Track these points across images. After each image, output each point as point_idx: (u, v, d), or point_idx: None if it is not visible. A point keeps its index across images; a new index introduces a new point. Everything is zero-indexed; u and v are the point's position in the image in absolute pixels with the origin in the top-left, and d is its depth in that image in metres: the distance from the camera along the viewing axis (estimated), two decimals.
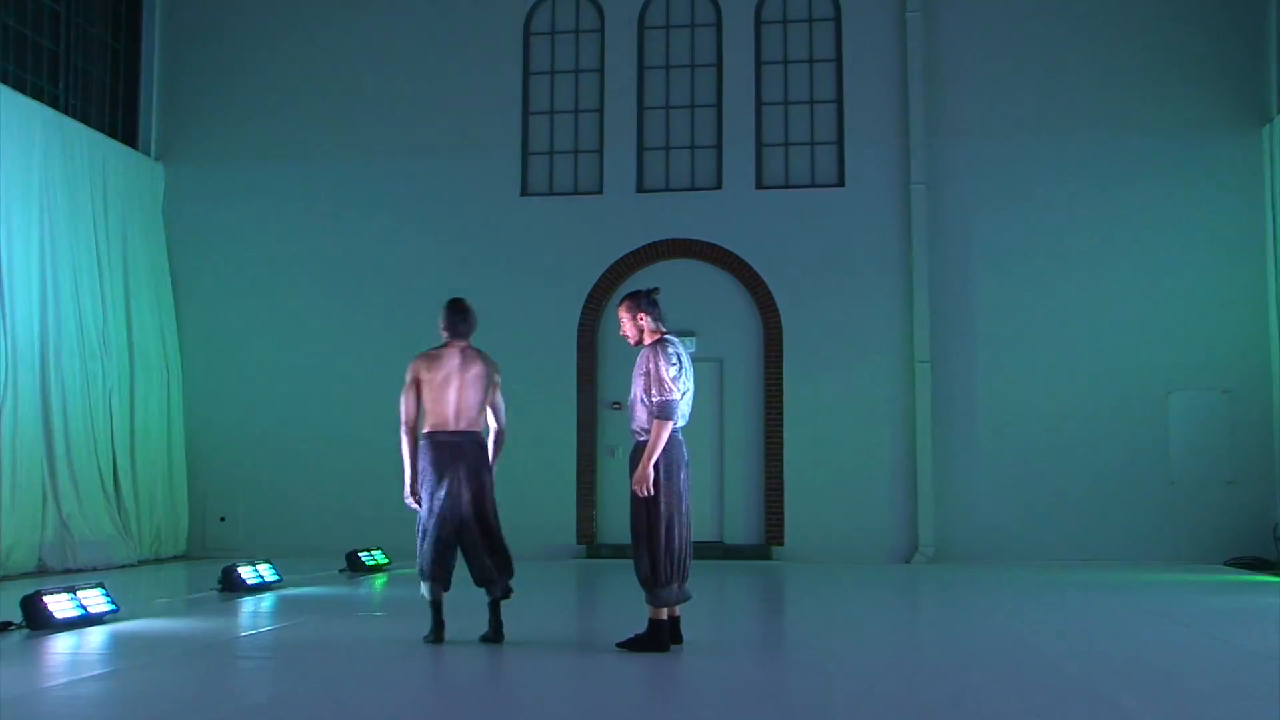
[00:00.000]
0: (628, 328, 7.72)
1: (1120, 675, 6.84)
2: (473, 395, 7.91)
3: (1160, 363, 15.44)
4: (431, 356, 7.99)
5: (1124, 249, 15.69)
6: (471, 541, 7.79)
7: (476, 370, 8.00)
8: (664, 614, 7.38)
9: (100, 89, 16.70)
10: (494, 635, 7.74)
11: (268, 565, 11.82)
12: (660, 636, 7.35)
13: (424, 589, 7.79)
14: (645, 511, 7.34)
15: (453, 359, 7.99)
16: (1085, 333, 15.62)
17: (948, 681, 6.80)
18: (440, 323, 8.18)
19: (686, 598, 7.45)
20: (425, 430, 7.88)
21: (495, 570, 7.79)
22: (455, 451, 7.80)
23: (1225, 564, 14.62)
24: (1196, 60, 15.79)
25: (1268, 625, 9.34)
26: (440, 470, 7.76)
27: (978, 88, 16.14)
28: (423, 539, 7.77)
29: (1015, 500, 15.44)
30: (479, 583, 7.86)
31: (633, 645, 7.37)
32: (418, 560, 7.81)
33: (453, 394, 7.89)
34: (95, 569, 13.63)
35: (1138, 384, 15.44)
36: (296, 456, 16.31)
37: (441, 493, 7.72)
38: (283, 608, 10.12)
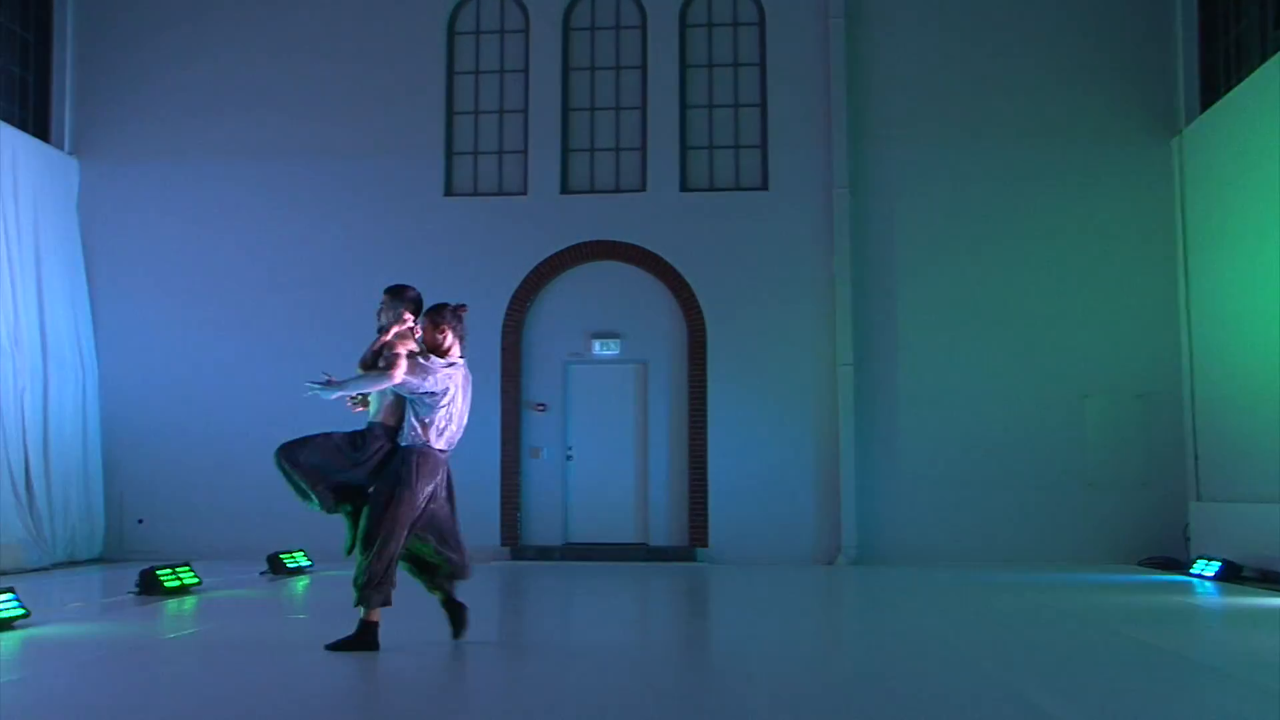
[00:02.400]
0: (425, 334, 7.73)
1: (1035, 673, 6.97)
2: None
3: (1077, 368, 15.77)
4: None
5: (1041, 255, 15.99)
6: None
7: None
8: (377, 615, 7.44)
9: (8, 80, 16.28)
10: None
11: (187, 568, 11.63)
12: (373, 637, 7.40)
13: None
14: (383, 514, 7.35)
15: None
16: (1005, 337, 15.89)
17: (867, 682, 6.88)
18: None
19: (389, 602, 7.51)
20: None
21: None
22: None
23: (1139, 564, 14.97)
24: (1110, 72, 16.15)
25: (1177, 623, 9.58)
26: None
27: (899, 93, 16.35)
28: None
29: (937, 502, 15.65)
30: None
31: (344, 646, 7.39)
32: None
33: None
34: (6, 573, 13.29)
35: (1056, 388, 15.75)
36: (216, 457, 16.04)
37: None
38: (203, 611, 9.95)
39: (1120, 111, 16.08)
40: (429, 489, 7.58)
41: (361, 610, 7.46)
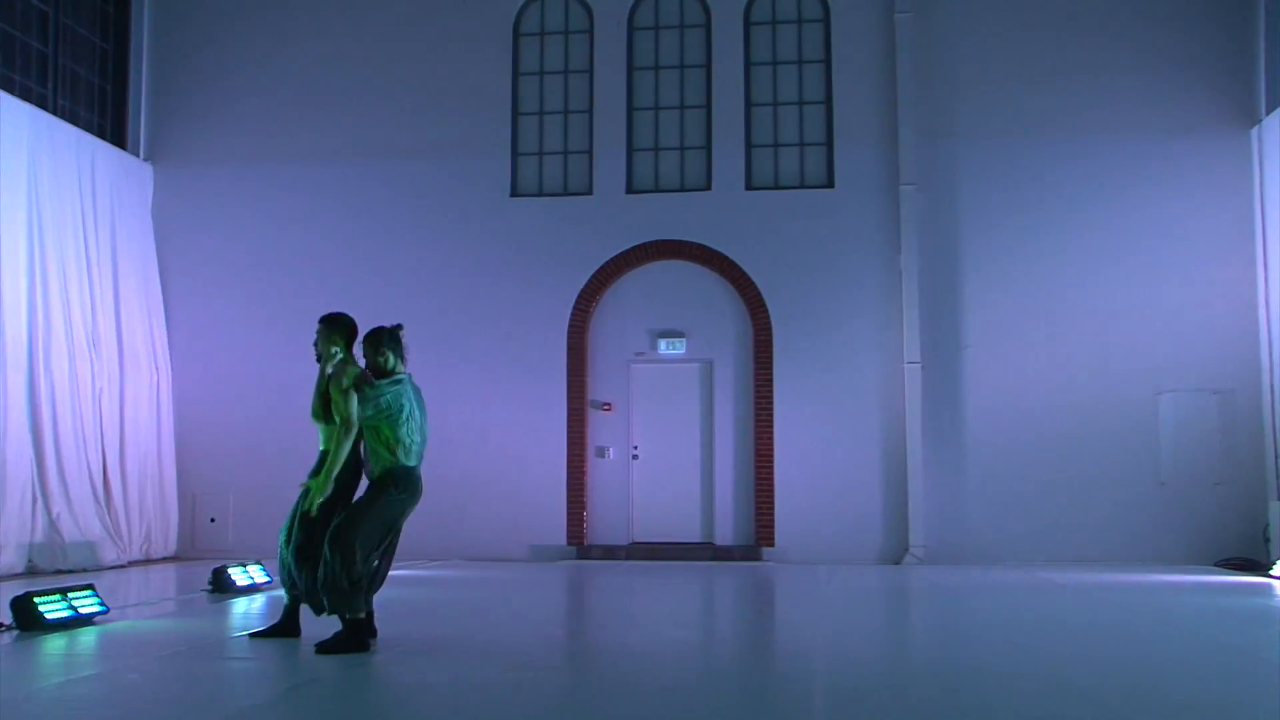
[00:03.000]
0: (367, 359, 7.75)
1: (1108, 676, 6.85)
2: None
3: (1150, 364, 15.49)
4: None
5: (1114, 250, 15.73)
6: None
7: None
8: (361, 613, 7.48)
9: (89, 89, 16.65)
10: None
11: (258, 566, 11.79)
12: (361, 637, 7.42)
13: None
14: (362, 516, 7.40)
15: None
16: (1075, 333, 15.65)
17: (933, 682, 6.81)
18: (374, 347, 7.71)
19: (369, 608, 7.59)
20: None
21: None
22: None
23: (1215, 565, 14.67)
24: (1186, 62, 15.84)
25: (1255, 625, 9.37)
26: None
27: (967, 89, 16.17)
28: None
29: (1005, 501, 15.47)
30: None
31: (334, 648, 7.35)
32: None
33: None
34: (85, 570, 13.58)
35: (1128, 385, 15.48)
36: (286, 457, 16.16)
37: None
38: (274, 608, 10.07)
39: (1197, 101, 15.78)
40: (411, 507, 7.62)
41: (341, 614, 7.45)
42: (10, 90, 14.50)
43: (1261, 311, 15.22)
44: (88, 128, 16.08)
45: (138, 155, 17.03)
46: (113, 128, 16.97)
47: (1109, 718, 5.70)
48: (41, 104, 15.18)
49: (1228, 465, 15.27)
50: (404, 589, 11.74)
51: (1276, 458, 14.75)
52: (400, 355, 7.78)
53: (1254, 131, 15.48)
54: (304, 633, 7.84)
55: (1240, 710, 5.94)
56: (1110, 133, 15.87)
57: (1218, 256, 15.57)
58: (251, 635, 7.98)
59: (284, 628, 7.92)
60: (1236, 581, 12.91)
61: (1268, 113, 15.23)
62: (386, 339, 7.77)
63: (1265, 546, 14.56)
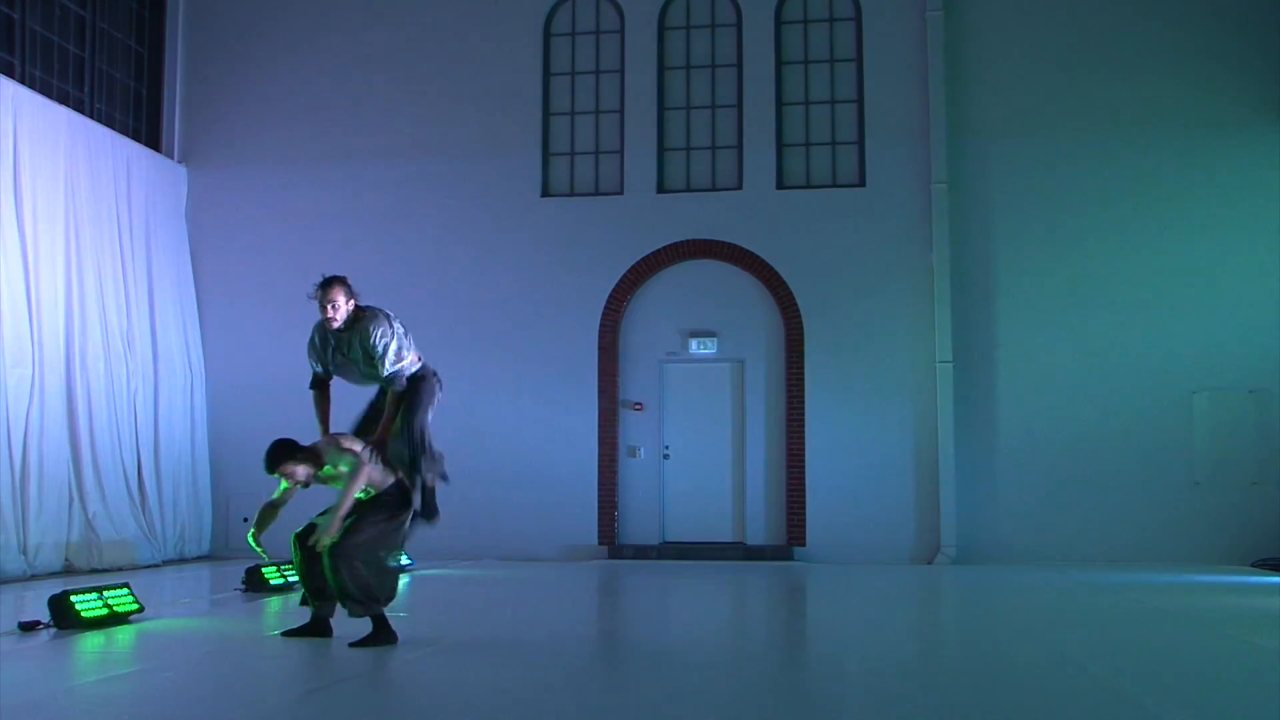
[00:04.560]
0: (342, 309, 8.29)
1: (1145, 677, 6.81)
2: None
3: (1185, 362, 15.37)
4: None
5: (1148, 247, 15.61)
6: None
7: None
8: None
9: (124, 93, 16.81)
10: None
11: (290, 565, 11.85)
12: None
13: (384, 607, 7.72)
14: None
15: None
16: (1109, 331, 15.55)
17: (967, 681, 6.79)
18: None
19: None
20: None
21: None
22: None
23: (1251, 565, 14.54)
24: (1220, 57, 15.70)
25: None
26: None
27: (999, 87, 16.10)
28: (389, 557, 7.83)
29: (1038, 501, 15.39)
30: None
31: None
32: (383, 584, 7.67)
33: None
34: (120, 569, 13.72)
35: (1162, 383, 15.37)
36: None
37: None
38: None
39: (1231, 98, 15.64)
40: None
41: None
42: (48, 94, 14.66)
43: None
44: (123, 131, 16.24)
45: (172, 158, 17.17)
46: (148, 130, 17.13)
47: (1140, 717, 5.66)
48: (78, 108, 15.34)
49: (1264, 465, 15.12)
50: (437, 588, 11.82)
51: None
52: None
53: None
54: (335, 632, 7.90)
55: (1273, 713, 5.89)
56: (1144, 129, 15.75)
57: (1253, 253, 15.42)
58: (284, 634, 8.04)
59: (315, 627, 7.97)
60: (1273, 582, 12.79)
61: None
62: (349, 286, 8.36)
63: None
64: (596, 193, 16.82)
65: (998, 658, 7.74)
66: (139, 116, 17.08)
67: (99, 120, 15.64)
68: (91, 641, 8.01)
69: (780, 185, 16.43)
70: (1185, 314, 15.45)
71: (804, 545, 15.70)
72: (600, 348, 16.38)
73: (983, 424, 15.65)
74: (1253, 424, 15.22)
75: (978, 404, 15.67)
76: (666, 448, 16.28)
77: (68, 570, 13.42)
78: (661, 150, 16.74)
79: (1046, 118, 15.96)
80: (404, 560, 14.00)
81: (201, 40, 17.50)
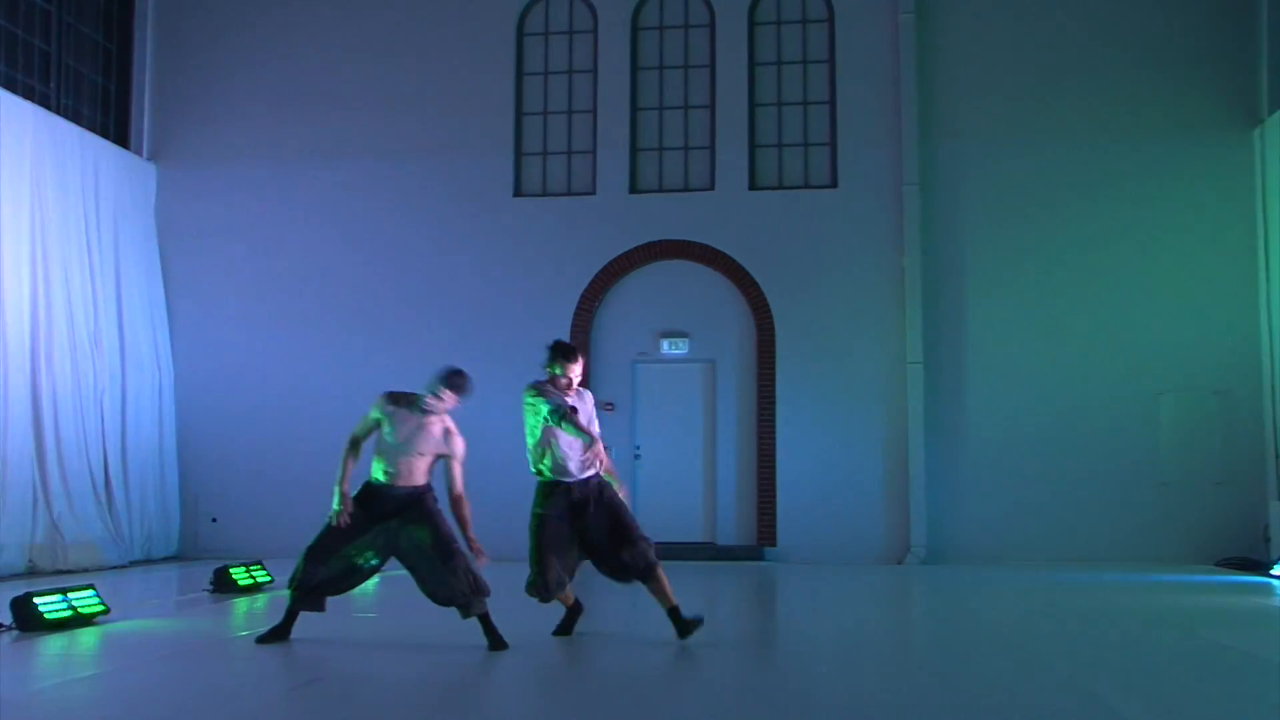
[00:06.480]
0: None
1: (1109, 674, 6.86)
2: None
3: (1152, 363, 15.49)
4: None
5: (1116, 250, 15.72)
6: None
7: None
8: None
9: (92, 88, 16.67)
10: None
11: (259, 566, 11.81)
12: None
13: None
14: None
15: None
16: (1077, 333, 15.66)
17: (936, 681, 6.81)
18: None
19: None
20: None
21: None
22: None
23: (1216, 564, 14.66)
24: (1187, 63, 15.83)
25: (1255, 624, 9.38)
26: None
27: (971, 89, 16.17)
28: None
29: (1007, 501, 15.47)
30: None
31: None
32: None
33: None
34: (86, 570, 13.60)
35: (1129, 385, 15.49)
36: (288, 457, 16.26)
37: None
38: (275, 607, 10.08)
39: (1199, 102, 15.77)
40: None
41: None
42: (13, 89, 14.52)
43: (1262, 312, 15.21)
44: (91, 127, 16.10)
45: (141, 155, 17.05)
46: (116, 127, 16.99)
47: (1107, 716, 5.70)
48: (45, 103, 15.21)
49: (1228, 465, 15.27)
50: (405, 589, 11.73)
51: (1276, 457, 14.74)
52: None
53: (1256, 132, 15.47)
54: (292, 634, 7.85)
55: (1237, 710, 5.94)
56: (1113, 133, 15.86)
57: (1219, 257, 15.57)
58: (258, 639, 7.96)
59: (285, 630, 7.92)
60: (1236, 581, 12.91)
61: (1269, 114, 15.21)
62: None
63: (1265, 546, 14.55)
64: (569, 193, 16.80)
65: (966, 657, 7.77)
66: (107, 113, 16.94)
67: (66, 116, 15.51)
68: (55, 644, 7.93)
69: (753, 186, 16.45)
70: (1152, 316, 15.57)
71: (774, 545, 15.73)
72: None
73: (952, 425, 15.72)
74: (1218, 425, 15.36)
75: (948, 405, 15.74)
76: (637, 448, 16.27)
77: (32, 572, 13.28)
78: (634, 150, 16.74)
79: (1018, 120, 16.05)
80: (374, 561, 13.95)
81: (171, 37, 17.37)
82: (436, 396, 7.75)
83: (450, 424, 7.91)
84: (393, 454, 7.76)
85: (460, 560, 7.72)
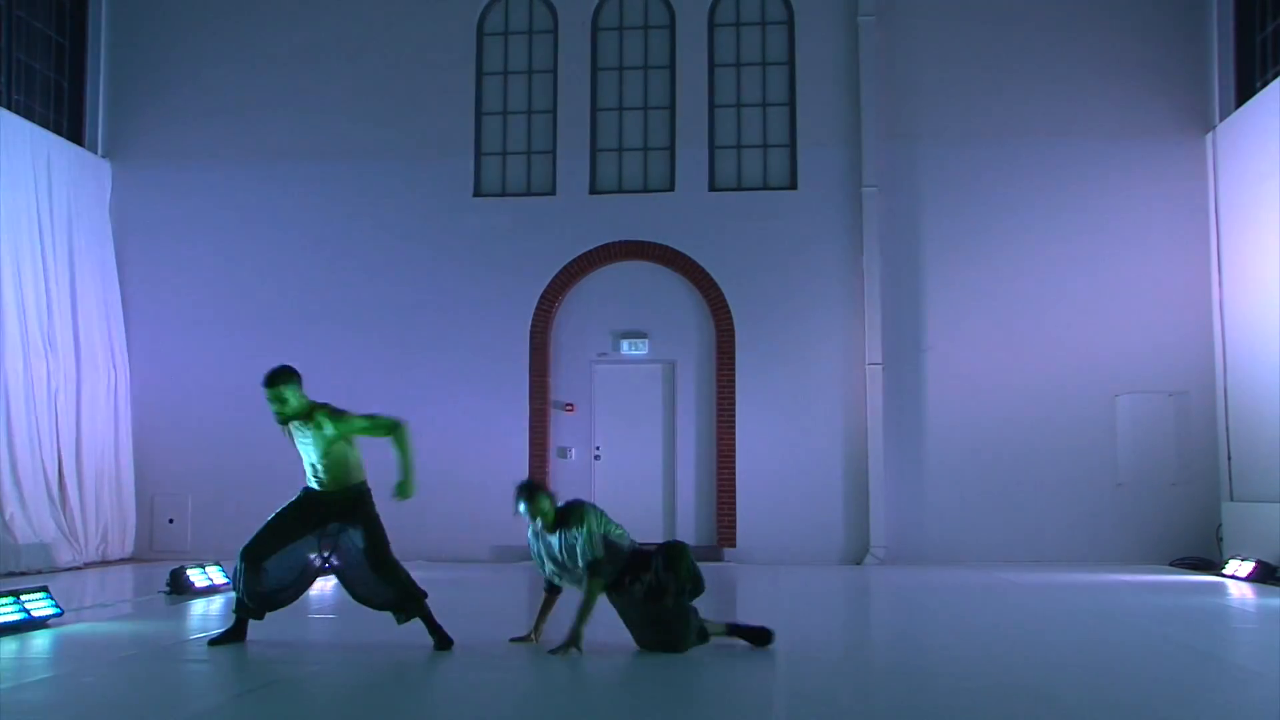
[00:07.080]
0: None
1: (1065, 673, 6.92)
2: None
3: (1108, 366, 15.66)
4: None
5: (1073, 253, 15.88)
6: None
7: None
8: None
9: (45, 85, 16.45)
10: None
11: (217, 567, 11.70)
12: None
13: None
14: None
15: None
16: (1034, 336, 15.80)
17: (894, 680, 6.85)
18: None
19: None
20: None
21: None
22: None
23: (1171, 565, 14.84)
24: (1142, 68, 16.02)
25: (1208, 623, 9.50)
26: None
27: (930, 92, 16.28)
28: None
29: (966, 502, 15.59)
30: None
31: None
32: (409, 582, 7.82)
33: None
34: (40, 572, 13.43)
35: (1086, 387, 15.65)
36: (245, 457, 16.09)
37: None
38: (231, 610, 9.98)
39: (1153, 107, 15.96)
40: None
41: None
42: None
43: (1215, 315, 15.43)
44: (43, 124, 15.88)
45: (95, 152, 16.84)
46: (69, 124, 16.78)
47: (1063, 717, 5.74)
48: None
49: (1183, 466, 15.46)
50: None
51: (1230, 459, 14.94)
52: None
53: (1209, 137, 15.68)
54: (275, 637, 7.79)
55: (1191, 708, 6.00)
56: (1069, 137, 16.02)
57: (1173, 260, 15.76)
58: (210, 642, 7.88)
59: (238, 632, 7.84)
60: (1190, 581, 13.07)
61: (1222, 119, 15.43)
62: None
63: (1218, 546, 14.76)
64: (529, 193, 16.76)
65: (924, 657, 7.82)
66: (60, 109, 16.72)
67: (17, 112, 15.29)
68: (6, 647, 7.82)
69: (712, 187, 16.48)
70: (1109, 319, 15.74)
71: (734, 546, 15.76)
72: (532, 348, 16.32)
73: (912, 426, 15.82)
74: (1172, 427, 15.54)
75: (907, 406, 15.84)
76: (597, 449, 16.26)
77: None
78: (594, 151, 16.72)
79: (976, 124, 16.18)
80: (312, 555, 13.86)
81: (125, 33, 17.18)
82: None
83: (326, 410, 7.85)
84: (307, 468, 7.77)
85: (391, 569, 7.67)
